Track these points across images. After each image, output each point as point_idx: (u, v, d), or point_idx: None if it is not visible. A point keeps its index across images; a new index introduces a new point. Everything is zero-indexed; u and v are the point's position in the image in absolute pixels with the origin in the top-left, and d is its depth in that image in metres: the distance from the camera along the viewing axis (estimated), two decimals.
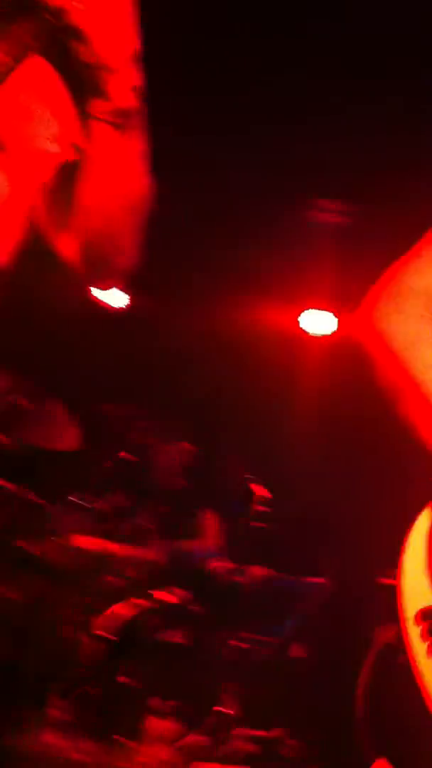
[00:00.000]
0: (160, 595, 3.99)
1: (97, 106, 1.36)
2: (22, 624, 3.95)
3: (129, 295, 5.63)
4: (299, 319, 5.74)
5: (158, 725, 3.55)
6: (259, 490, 4.66)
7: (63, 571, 4.07)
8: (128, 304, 5.64)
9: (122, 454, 4.64)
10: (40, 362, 4.95)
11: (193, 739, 3.64)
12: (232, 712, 3.76)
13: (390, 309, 1.80)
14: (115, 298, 5.61)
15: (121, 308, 5.66)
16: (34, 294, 3.85)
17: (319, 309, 5.66)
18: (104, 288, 1.60)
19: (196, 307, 5.49)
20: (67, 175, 1.41)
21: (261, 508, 4.63)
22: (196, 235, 5.03)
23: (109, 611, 3.93)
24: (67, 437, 4.47)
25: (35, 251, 1.48)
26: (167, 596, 4.01)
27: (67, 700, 3.59)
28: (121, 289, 5.53)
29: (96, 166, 1.40)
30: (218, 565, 4.47)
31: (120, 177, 1.42)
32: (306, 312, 5.71)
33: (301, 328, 5.75)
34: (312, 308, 5.68)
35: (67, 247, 1.49)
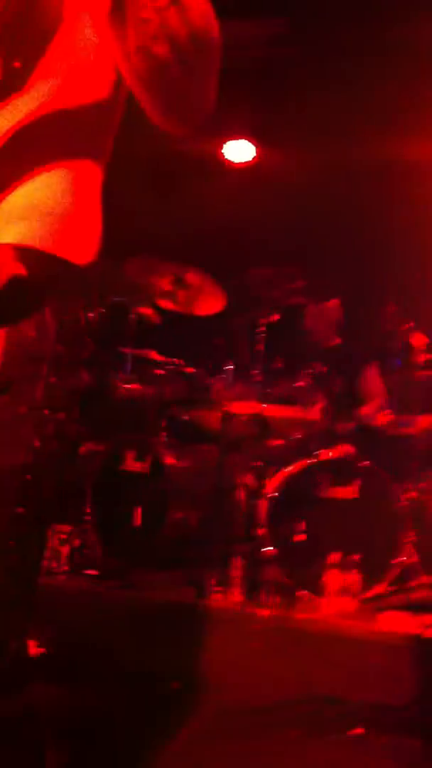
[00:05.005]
0: (328, 452, 3.97)
1: None
2: (198, 491, 4.06)
3: (256, 147, 5.40)
4: None
5: (341, 579, 3.59)
6: (419, 338, 4.47)
7: (231, 439, 4.13)
8: (255, 157, 5.41)
9: (275, 316, 4.56)
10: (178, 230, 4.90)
11: (377, 590, 3.67)
12: (414, 560, 3.75)
13: None
14: (242, 151, 5.40)
15: (249, 162, 5.45)
16: None
17: None
18: (187, 130, 1.46)
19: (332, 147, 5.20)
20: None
21: (423, 356, 4.45)
22: None
23: (279, 473, 3.97)
24: (214, 303, 4.44)
25: None
26: (337, 453, 3.98)
27: (249, 560, 3.69)
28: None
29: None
30: (385, 418, 4.38)
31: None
32: None
33: None
34: None
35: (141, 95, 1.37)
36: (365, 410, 4.39)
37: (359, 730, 3.03)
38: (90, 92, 1.36)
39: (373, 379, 4.58)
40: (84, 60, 1.35)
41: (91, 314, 3.97)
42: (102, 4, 1.31)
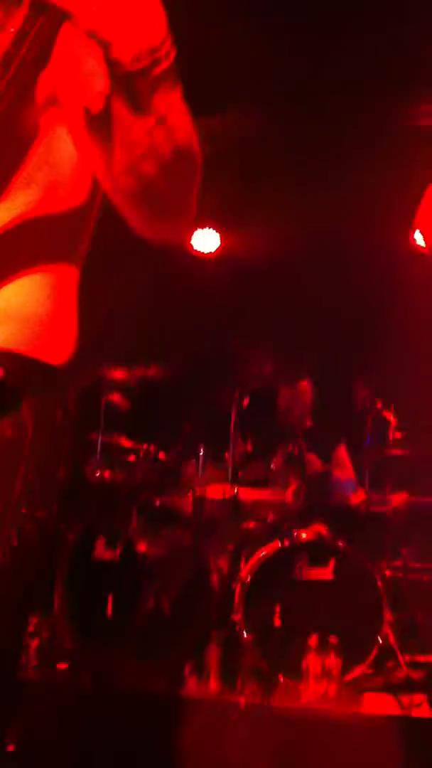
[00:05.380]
0: (303, 534, 3.93)
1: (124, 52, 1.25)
2: (172, 578, 3.99)
3: (220, 235, 5.53)
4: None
5: (320, 662, 3.50)
6: (391, 417, 4.50)
7: (204, 523, 4.09)
8: (220, 246, 5.53)
9: (246, 400, 4.59)
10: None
11: (358, 671, 3.58)
12: (394, 640, 3.67)
13: None
14: (207, 241, 5.52)
15: (214, 252, 5.56)
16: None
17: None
18: (173, 240, 1.52)
19: (294, 234, 5.34)
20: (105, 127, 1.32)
21: (396, 434, 4.47)
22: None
23: (253, 556, 3.91)
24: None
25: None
26: (311, 534, 3.94)
27: (225, 647, 3.60)
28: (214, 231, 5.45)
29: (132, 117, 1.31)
30: (359, 497, 4.37)
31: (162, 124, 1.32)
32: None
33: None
34: None
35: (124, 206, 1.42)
36: (335, 486, 4.38)
37: None
38: (67, 201, 1.40)
39: (344, 458, 4.60)
40: (62, 171, 1.39)
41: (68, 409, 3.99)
42: (78, 118, 1.35)
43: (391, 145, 5.03)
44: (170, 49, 1.26)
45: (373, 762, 3.15)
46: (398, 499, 4.35)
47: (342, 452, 4.68)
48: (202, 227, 5.50)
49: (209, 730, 3.31)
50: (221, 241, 5.59)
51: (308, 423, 4.74)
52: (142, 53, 1.23)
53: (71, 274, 1.46)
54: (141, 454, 4.32)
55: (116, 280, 4.83)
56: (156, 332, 4.94)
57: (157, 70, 1.25)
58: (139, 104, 1.27)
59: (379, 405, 4.57)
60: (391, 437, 4.48)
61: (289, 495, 4.20)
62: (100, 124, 1.32)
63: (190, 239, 5.54)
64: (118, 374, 4.47)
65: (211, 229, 5.48)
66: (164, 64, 1.26)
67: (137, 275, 5.02)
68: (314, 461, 4.50)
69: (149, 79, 1.25)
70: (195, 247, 5.51)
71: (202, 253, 5.55)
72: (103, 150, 1.34)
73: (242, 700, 3.38)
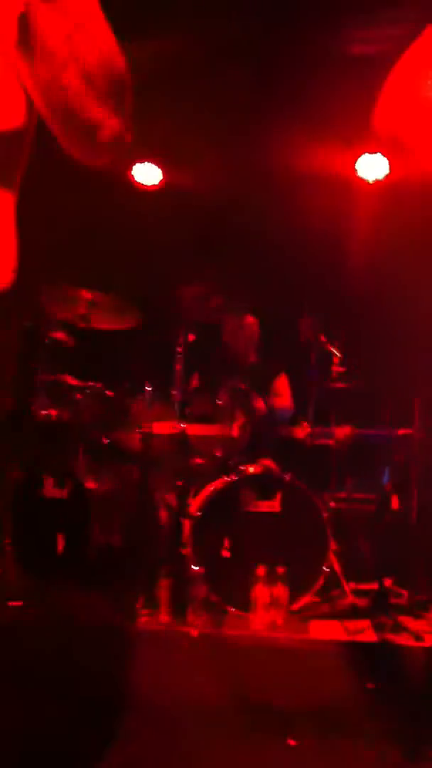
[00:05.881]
0: (250, 468, 3.99)
1: None
2: (121, 514, 4.02)
3: (163, 169, 5.43)
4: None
5: (269, 592, 3.59)
6: (336, 350, 4.55)
7: (152, 459, 4.10)
8: (163, 179, 5.43)
9: (191, 336, 4.57)
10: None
11: (306, 600, 3.69)
12: (339, 569, 3.79)
13: None
14: (150, 174, 5.42)
15: (157, 185, 5.47)
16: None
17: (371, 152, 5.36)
18: (101, 163, 1.47)
19: (243, 158, 5.27)
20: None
21: (340, 368, 4.53)
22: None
23: (202, 491, 3.96)
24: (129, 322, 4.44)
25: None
26: (258, 468, 4.00)
27: (175, 580, 3.66)
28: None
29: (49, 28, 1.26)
30: (304, 430, 4.44)
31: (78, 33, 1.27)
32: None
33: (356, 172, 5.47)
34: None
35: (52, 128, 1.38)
36: (278, 416, 4.44)
37: (292, 740, 3.03)
38: (1, 124, 1.35)
39: (280, 387, 4.64)
40: None
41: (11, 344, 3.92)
42: (7, 36, 1.30)
43: (331, 74, 4.96)
44: None
45: (320, 686, 3.27)
46: (342, 432, 4.43)
47: (281, 382, 4.72)
48: (144, 160, 5.39)
49: (161, 660, 3.39)
50: (164, 175, 5.49)
51: (253, 358, 4.77)
52: None
53: (8, 199, 1.41)
54: (87, 392, 4.29)
55: (58, 209, 4.74)
56: (99, 265, 4.86)
57: None
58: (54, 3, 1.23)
59: (323, 339, 4.60)
60: (334, 371, 4.53)
61: (235, 430, 4.24)
62: (24, 36, 1.27)
63: (131, 170, 5.43)
64: (61, 310, 4.41)
65: (151, 164, 5.37)
66: None
67: (79, 206, 4.92)
68: (258, 394, 4.53)
69: None
70: (137, 180, 5.40)
71: (145, 185, 5.45)
72: (29, 63, 1.30)
73: (193, 631, 3.47)
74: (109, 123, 1.37)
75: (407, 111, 1.71)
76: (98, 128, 1.37)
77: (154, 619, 3.58)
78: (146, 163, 5.37)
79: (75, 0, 1.26)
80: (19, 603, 3.59)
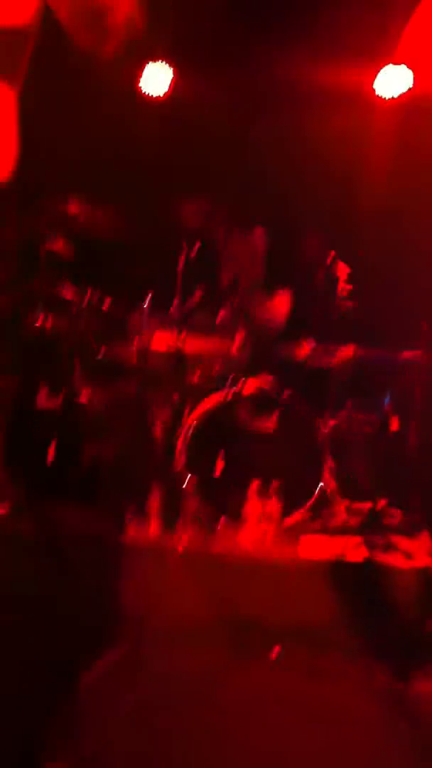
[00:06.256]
0: (249, 384, 3.92)
1: None
2: (115, 427, 3.97)
3: (173, 75, 5.22)
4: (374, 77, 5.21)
5: (260, 506, 3.55)
6: (341, 269, 4.42)
7: (148, 373, 4.04)
8: (170, 89, 5.24)
9: (194, 250, 4.45)
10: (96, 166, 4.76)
11: (297, 516, 3.65)
12: (334, 487, 3.73)
13: None
14: (158, 81, 5.21)
15: (165, 95, 5.27)
16: None
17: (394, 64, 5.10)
18: (109, 50, 1.36)
19: (254, 70, 5.07)
20: None
21: (347, 286, 4.40)
22: None
23: (198, 406, 3.90)
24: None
25: None
26: (255, 387, 3.93)
27: (167, 492, 3.63)
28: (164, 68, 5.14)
29: None
30: (306, 348, 4.34)
31: None
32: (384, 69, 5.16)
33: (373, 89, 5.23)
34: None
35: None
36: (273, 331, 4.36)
37: (276, 650, 3.03)
38: (7, 19, 1.25)
39: (284, 305, 4.53)
40: None
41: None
42: None
43: None
44: None
45: (309, 603, 3.25)
46: (345, 352, 4.32)
47: (279, 299, 4.60)
48: (156, 60, 5.16)
49: (151, 570, 3.38)
50: (173, 83, 5.28)
51: (258, 273, 4.65)
52: None
53: (8, 93, 1.33)
54: (84, 304, 4.20)
55: (62, 113, 4.59)
56: (101, 174, 4.72)
57: None
58: None
59: (331, 257, 4.48)
60: (341, 290, 4.41)
61: (235, 346, 4.15)
62: None
63: (140, 77, 5.23)
64: (61, 217, 4.29)
65: (162, 66, 5.14)
66: None
67: (85, 112, 4.76)
68: (263, 311, 4.43)
69: None
70: (146, 86, 5.20)
71: (153, 95, 5.25)
72: None
73: (181, 545, 3.44)
74: (122, 6, 1.27)
75: None
76: (110, 10, 1.27)
77: (143, 531, 3.56)
78: (159, 62, 5.13)
79: None
80: (6, 511, 3.58)
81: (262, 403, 3.85)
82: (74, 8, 1.16)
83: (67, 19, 1.18)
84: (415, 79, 5.12)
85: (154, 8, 4.18)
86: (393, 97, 5.21)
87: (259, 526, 3.52)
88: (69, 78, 4.60)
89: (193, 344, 4.15)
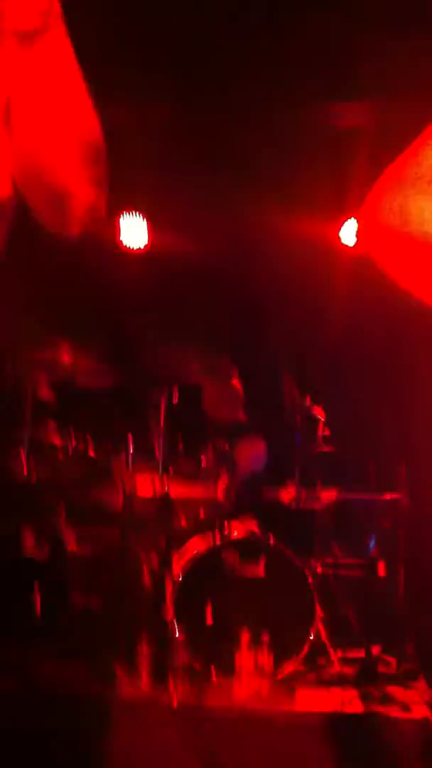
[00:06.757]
0: (234, 531, 3.91)
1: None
2: (101, 576, 3.91)
3: (149, 231, 5.46)
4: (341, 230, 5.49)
5: (252, 659, 3.48)
6: (321, 413, 4.51)
7: (133, 520, 4.02)
8: (148, 243, 5.47)
9: (175, 397, 4.53)
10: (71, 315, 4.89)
11: (291, 668, 3.57)
12: (326, 636, 3.68)
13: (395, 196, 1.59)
14: (136, 236, 5.44)
15: (143, 248, 5.49)
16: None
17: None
18: (73, 234, 1.43)
19: (222, 230, 5.31)
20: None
21: (325, 431, 4.49)
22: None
23: (184, 553, 3.86)
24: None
25: None
26: (242, 532, 3.92)
27: (157, 646, 3.54)
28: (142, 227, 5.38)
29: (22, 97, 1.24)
30: (290, 493, 4.37)
31: (54, 106, 1.25)
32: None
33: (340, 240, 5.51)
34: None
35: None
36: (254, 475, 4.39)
37: None
38: None
39: (260, 451, 4.60)
40: None
41: None
42: None
43: (315, 145, 5.05)
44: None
45: (307, 759, 3.15)
46: (328, 495, 4.36)
47: (260, 443, 4.66)
48: (131, 219, 5.41)
49: (141, 730, 3.25)
50: (149, 237, 5.52)
51: (238, 419, 4.72)
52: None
53: None
54: (70, 451, 4.21)
55: (38, 270, 4.73)
56: (80, 325, 4.85)
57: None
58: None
59: (308, 401, 4.58)
60: (319, 434, 4.49)
61: (219, 491, 4.16)
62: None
63: (117, 234, 5.45)
64: (45, 369, 4.36)
65: (138, 224, 5.39)
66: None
67: (63, 269, 4.92)
68: (245, 455, 4.48)
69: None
70: (123, 242, 5.42)
71: (130, 248, 5.47)
72: (5, 129, 1.27)
73: (174, 700, 3.34)
74: (83, 193, 1.34)
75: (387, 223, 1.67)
76: (70, 198, 1.33)
77: (133, 686, 3.45)
78: (133, 221, 5.38)
79: (52, 63, 1.23)
80: None
81: (249, 549, 3.83)
82: (36, 191, 1.23)
83: (30, 201, 1.25)
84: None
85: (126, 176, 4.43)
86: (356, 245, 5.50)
87: (252, 679, 3.44)
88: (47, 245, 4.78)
89: (178, 489, 4.16)
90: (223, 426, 4.63)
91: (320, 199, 5.26)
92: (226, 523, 3.99)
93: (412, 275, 1.55)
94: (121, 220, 5.41)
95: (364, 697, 3.35)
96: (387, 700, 3.34)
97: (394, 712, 3.25)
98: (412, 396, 4.87)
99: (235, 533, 3.90)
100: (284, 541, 3.85)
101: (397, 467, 4.39)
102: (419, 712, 3.26)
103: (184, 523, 4.10)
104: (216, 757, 3.16)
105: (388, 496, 4.29)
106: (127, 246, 5.45)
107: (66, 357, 4.33)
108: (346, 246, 5.54)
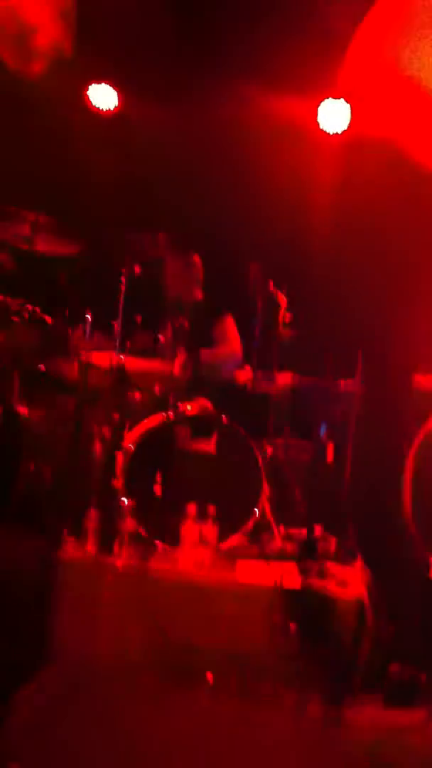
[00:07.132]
0: (188, 407, 3.92)
1: None
2: (53, 443, 3.92)
3: (119, 94, 5.25)
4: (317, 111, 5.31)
5: (197, 530, 3.55)
6: (281, 297, 4.48)
7: (89, 390, 4.00)
8: (118, 106, 5.26)
9: (137, 270, 4.44)
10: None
11: (234, 541, 3.66)
12: (270, 513, 3.76)
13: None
14: (105, 98, 5.23)
15: (112, 110, 5.29)
16: None
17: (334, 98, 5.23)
18: (35, 71, 1.35)
19: (198, 102, 5.13)
20: None
21: (287, 314, 4.46)
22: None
23: (138, 426, 3.88)
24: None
25: None
26: (196, 408, 3.94)
27: (104, 512, 3.59)
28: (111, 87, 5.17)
29: None
30: (246, 374, 4.38)
31: None
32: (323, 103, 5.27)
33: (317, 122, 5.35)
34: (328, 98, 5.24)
35: None
36: (220, 359, 4.39)
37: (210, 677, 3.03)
38: None
39: (231, 332, 4.58)
40: None
41: None
42: None
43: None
44: None
45: (244, 627, 3.26)
46: (283, 379, 4.38)
47: (228, 326, 4.65)
48: (101, 82, 5.18)
49: (86, 590, 3.33)
50: (119, 101, 5.30)
51: (197, 297, 4.67)
52: None
53: None
54: (26, 316, 4.14)
55: (7, 127, 4.55)
56: (45, 188, 4.70)
57: None
58: None
59: (271, 285, 4.53)
60: (280, 318, 4.46)
61: (176, 367, 4.15)
62: None
63: (86, 92, 5.22)
64: (4, 230, 4.24)
65: (107, 87, 5.17)
66: None
67: (31, 125, 4.73)
68: (201, 333, 4.46)
69: None
70: (93, 103, 5.20)
71: (100, 110, 5.25)
72: None
73: (119, 563, 3.41)
74: (47, 28, 1.26)
75: (371, 70, 1.60)
76: (34, 32, 1.25)
77: (80, 548, 3.51)
78: (102, 84, 5.16)
79: None
80: None
81: (201, 425, 3.85)
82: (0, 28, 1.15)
83: None
84: (353, 113, 5.25)
85: (94, 32, 4.20)
86: (336, 132, 5.35)
87: (196, 549, 3.52)
88: (7, 96, 4.57)
89: (135, 362, 4.14)
90: (183, 302, 4.59)
91: (297, 81, 5.08)
92: (181, 398, 4.00)
93: (403, 125, 1.50)
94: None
95: (303, 572, 3.45)
96: (325, 575, 3.45)
97: (331, 587, 3.36)
98: (376, 287, 4.86)
99: (189, 409, 3.91)
100: (237, 420, 3.88)
101: (354, 355, 4.40)
102: (355, 589, 3.37)
103: (138, 395, 4.10)
104: (155, 617, 3.27)
105: (342, 383, 4.33)
106: (96, 106, 5.24)
107: (28, 217, 4.21)
108: (324, 131, 5.39)
